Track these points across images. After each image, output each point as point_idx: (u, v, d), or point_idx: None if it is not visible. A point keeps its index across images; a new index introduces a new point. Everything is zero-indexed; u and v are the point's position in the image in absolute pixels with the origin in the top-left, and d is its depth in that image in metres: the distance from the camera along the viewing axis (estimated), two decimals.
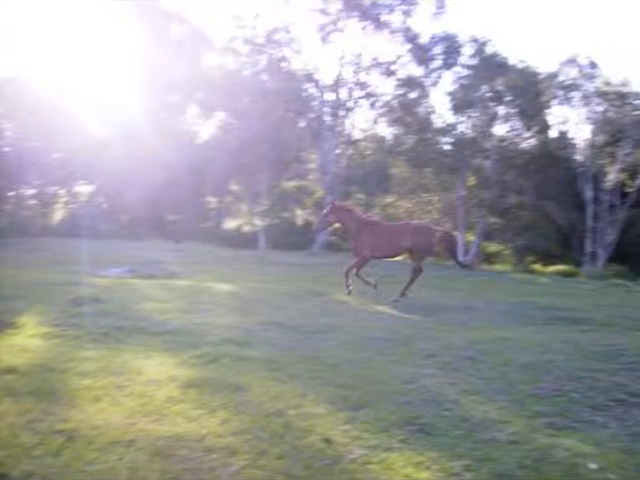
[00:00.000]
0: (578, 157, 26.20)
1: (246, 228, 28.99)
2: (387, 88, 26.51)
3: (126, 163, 23.82)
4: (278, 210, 28.42)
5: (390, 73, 25.93)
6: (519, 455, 3.33)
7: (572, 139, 26.99)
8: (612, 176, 24.47)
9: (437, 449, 3.35)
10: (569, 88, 24.96)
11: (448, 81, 26.50)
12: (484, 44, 25.55)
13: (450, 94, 25.97)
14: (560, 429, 3.78)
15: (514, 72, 25.10)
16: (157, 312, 7.08)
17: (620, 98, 24.69)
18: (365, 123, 28.84)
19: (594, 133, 25.46)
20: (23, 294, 7.56)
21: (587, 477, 3.16)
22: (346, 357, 5.28)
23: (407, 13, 25.43)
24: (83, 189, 28.35)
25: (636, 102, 24.85)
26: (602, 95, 24.85)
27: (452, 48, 25.46)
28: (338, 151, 27.08)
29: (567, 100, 25.37)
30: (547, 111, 26.20)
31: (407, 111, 26.03)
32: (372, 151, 28.77)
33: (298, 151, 28.08)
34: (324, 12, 25.24)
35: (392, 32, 25.56)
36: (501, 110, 25.87)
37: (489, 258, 27.38)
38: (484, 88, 25.34)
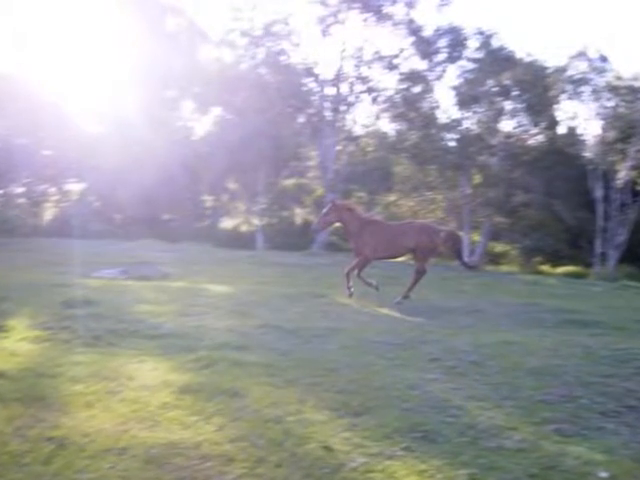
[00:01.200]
0: (588, 154, 26.16)
1: (243, 228, 28.98)
2: (389, 82, 26.52)
3: (119, 160, 23.79)
4: (276, 209, 28.42)
5: (393, 67, 25.92)
6: (527, 463, 3.33)
7: (581, 135, 26.99)
8: (623, 174, 24.43)
9: (441, 457, 3.35)
10: (578, 82, 24.92)
11: (453, 75, 26.43)
12: (490, 37, 25.53)
13: (455, 89, 25.95)
14: (569, 436, 3.78)
15: (521, 66, 25.07)
16: (151, 315, 7.08)
17: (631, 93, 24.64)
18: (367, 119, 28.81)
19: (604, 129, 25.43)
20: (12, 296, 7.55)
21: None
22: (347, 361, 5.28)
23: (410, 5, 25.44)
24: (74, 187, 28.31)
25: None
26: (613, 90, 24.82)
27: (457, 41, 25.44)
28: (339, 148, 27.08)
29: (576, 95, 25.33)
30: (555, 106, 26.16)
31: (410, 106, 26.00)
32: (374, 148, 28.74)
33: (297, 148, 28.06)
34: (324, 3, 25.24)
35: (395, 24, 25.56)
36: (508, 105, 25.83)
37: (495, 259, 27.35)
38: (490, 82, 25.31)
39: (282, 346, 5.83)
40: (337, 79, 26.19)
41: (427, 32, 25.50)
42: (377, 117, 28.09)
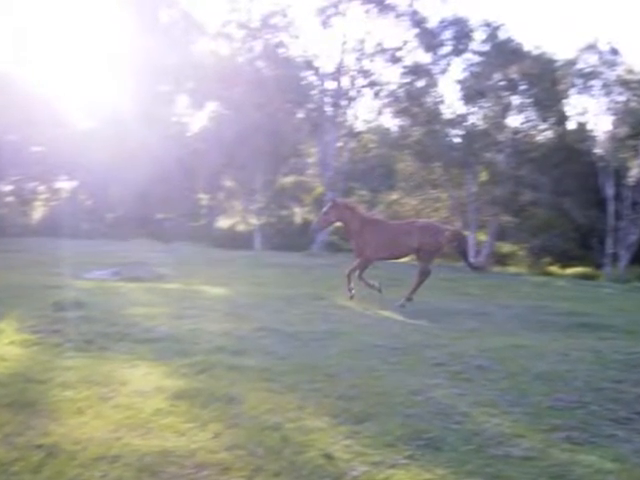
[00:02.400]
0: (598, 150, 26.18)
1: (240, 227, 28.98)
2: (392, 76, 26.57)
3: (111, 157, 23.79)
4: (275, 208, 28.41)
5: (396, 60, 25.94)
6: (535, 472, 3.33)
7: (592, 131, 27.01)
8: (635, 171, 24.46)
9: (446, 465, 3.35)
10: (588, 76, 24.95)
11: (458, 69, 26.53)
12: (497, 29, 25.57)
13: (460, 83, 25.99)
14: (579, 444, 3.78)
15: (529, 59, 25.10)
16: (144, 318, 7.08)
17: None
18: (368, 114, 28.88)
19: (615, 125, 25.45)
20: (1, 298, 7.56)
21: None
22: (348, 366, 5.28)
23: None
24: (65, 185, 28.33)
25: None
26: (624, 84, 24.85)
27: (462, 33, 25.47)
28: (339, 144, 27.09)
29: (586, 89, 25.36)
30: (565, 101, 26.21)
31: (414, 101, 26.02)
32: (376, 144, 28.77)
33: (296, 144, 28.06)
34: None
35: (398, 16, 25.59)
36: (515, 100, 25.87)
37: (502, 259, 27.37)
38: (497, 76, 25.35)
39: (280, 350, 5.83)
40: (338, 72, 26.20)
41: (431, 24, 25.59)
42: (379, 112, 28.13)
